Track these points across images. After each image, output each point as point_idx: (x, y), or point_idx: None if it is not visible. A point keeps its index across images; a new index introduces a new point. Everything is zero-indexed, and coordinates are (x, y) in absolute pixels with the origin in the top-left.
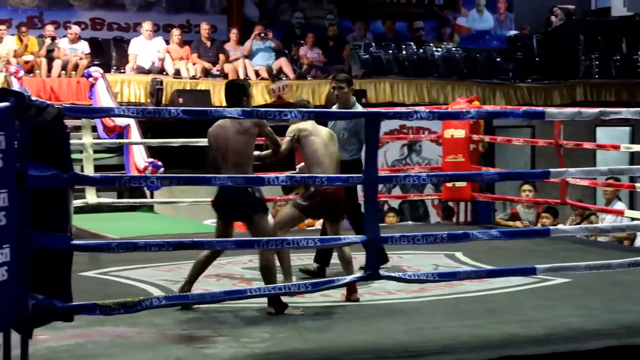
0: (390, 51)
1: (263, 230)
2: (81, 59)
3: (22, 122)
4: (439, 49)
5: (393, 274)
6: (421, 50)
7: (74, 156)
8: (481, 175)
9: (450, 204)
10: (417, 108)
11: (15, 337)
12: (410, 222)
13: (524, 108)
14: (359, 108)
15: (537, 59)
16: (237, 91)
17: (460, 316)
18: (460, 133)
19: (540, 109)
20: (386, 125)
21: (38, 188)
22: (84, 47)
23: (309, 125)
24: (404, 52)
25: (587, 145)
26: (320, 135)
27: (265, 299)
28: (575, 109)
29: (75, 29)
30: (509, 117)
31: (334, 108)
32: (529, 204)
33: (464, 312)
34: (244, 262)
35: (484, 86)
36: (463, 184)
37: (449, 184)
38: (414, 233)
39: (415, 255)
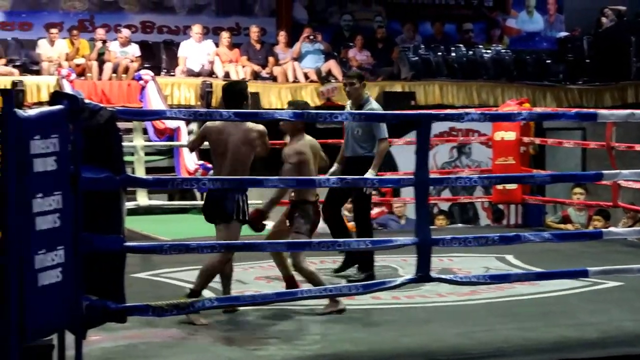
0: (440, 53)
1: (228, 237)
2: (132, 61)
3: (75, 125)
4: (489, 51)
5: (444, 276)
6: (470, 52)
7: (125, 158)
8: (533, 177)
9: (501, 206)
10: (468, 110)
11: (69, 338)
12: (460, 225)
13: (576, 110)
14: (373, 104)
15: (587, 60)
16: (238, 95)
17: (512, 319)
18: (510, 135)
19: (592, 110)
20: (436, 128)
21: (91, 190)
22: (134, 50)
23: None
24: (453, 54)
25: (639, 147)
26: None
27: (316, 301)
28: (628, 111)
29: (125, 32)
30: (562, 119)
31: (347, 105)
32: (581, 206)
33: (516, 315)
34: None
35: (534, 88)
36: (514, 186)
37: (500, 187)
38: (465, 235)
39: (466, 258)
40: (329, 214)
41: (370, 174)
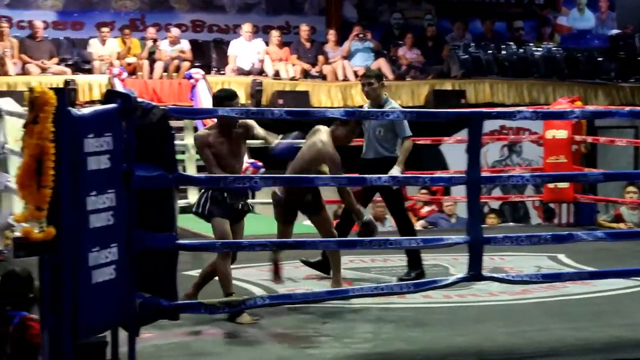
0: (490, 51)
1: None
2: (183, 60)
3: (128, 123)
4: (540, 49)
5: (496, 275)
6: (521, 50)
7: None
8: (586, 176)
9: (552, 205)
10: (519, 108)
11: (122, 335)
12: (511, 224)
13: (629, 108)
14: (393, 103)
15: (639, 58)
16: (219, 103)
17: (565, 319)
18: (562, 134)
19: None
20: (486, 126)
21: (144, 188)
22: (183, 47)
23: None
24: (503, 52)
25: None
26: None
27: (368, 299)
28: None
29: (174, 31)
30: (614, 117)
31: (366, 106)
32: (634, 205)
33: (569, 315)
34: (345, 263)
35: (586, 86)
36: (565, 185)
37: (551, 185)
38: (517, 234)
39: (517, 257)
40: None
41: (396, 170)
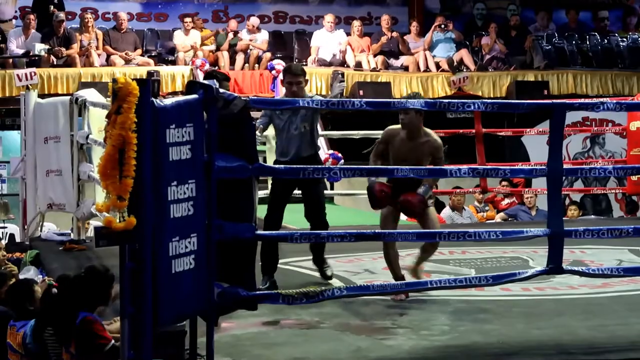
0: (574, 42)
1: None
2: (265, 51)
3: (210, 114)
4: (625, 39)
5: (576, 268)
6: (606, 41)
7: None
8: None
9: (634, 198)
10: (602, 99)
11: (201, 324)
12: (592, 216)
13: None
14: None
15: None
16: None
17: None
18: None
19: None
20: (569, 117)
21: (225, 178)
22: (263, 37)
23: None
24: (587, 42)
25: None
26: None
27: (445, 292)
28: None
29: (253, 20)
30: None
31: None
32: None
33: None
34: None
35: None
36: None
37: (634, 178)
38: (598, 227)
39: (598, 250)
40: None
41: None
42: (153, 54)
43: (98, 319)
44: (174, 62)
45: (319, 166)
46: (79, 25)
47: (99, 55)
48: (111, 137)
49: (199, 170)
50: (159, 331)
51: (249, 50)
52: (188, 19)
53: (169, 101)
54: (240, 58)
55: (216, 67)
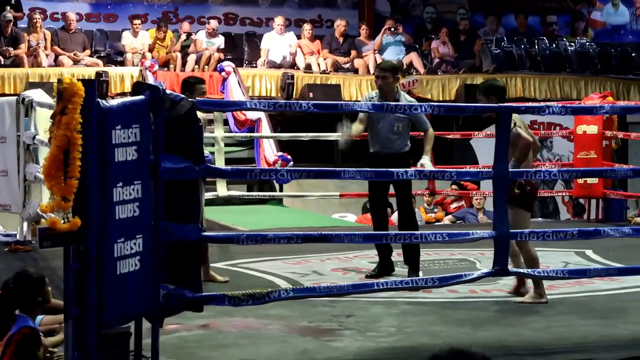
0: (523, 46)
1: None
2: (218, 51)
3: (156, 115)
4: (573, 44)
5: (522, 270)
6: (554, 45)
7: (205, 149)
8: (614, 172)
9: (581, 200)
10: (549, 103)
11: (146, 326)
12: (540, 219)
13: None
14: (407, 96)
15: None
16: (182, 87)
17: (591, 315)
18: (593, 129)
19: None
20: None
21: (171, 180)
22: (220, 41)
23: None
24: (536, 46)
25: None
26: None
27: (392, 293)
28: None
29: (213, 23)
30: None
31: (375, 99)
32: None
33: (595, 311)
34: (372, 257)
35: (618, 82)
36: (595, 180)
37: (581, 181)
38: (544, 229)
39: (545, 252)
40: (375, 207)
41: (426, 160)
42: (102, 55)
43: (35, 330)
44: (122, 63)
45: (267, 168)
46: (27, 25)
47: (47, 55)
48: (56, 137)
49: (145, 172)
50: (103, 333)
51: (202, 52)
52: (137, 21)
53: (115, 102)
54: (191, 59)
55: (166, 69)
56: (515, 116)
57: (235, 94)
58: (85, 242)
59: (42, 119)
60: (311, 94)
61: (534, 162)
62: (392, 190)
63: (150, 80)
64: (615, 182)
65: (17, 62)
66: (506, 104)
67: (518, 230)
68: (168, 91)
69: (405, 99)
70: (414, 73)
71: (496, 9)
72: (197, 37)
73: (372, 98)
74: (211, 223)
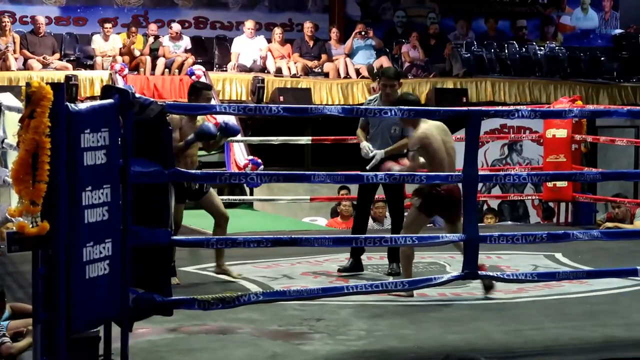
0: (493, 50)
1: None
2: (186, 58)
3: (125, 119)
4: (542, 48)
5: (491, 274)
6: (524, 49)
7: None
8: (583, 175)
9: (551, 204)
10: (519, 107)
11: (115, 330)
12: (509, 222)
13: (628, 107)
14: None
15: None
16: (189, 92)
17: (561, 318)
18: (562, 133)
19: None
20: (487, 125)
21: (140, 184)
22: (186, 43)
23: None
24: (506, 51)
25: None
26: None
27: (362, 297)
28: None
29: (176, 27)
30: (613, 116)
31: (374, 103)
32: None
33: (564, 314)
34: (342, 260)
35: (588, 85)
36: (564, 184)
37: (550, 184)
38: (513, 233)
39: (514, 256)
40: (361, 209)
41: (380, 152)
42: (71, 59)
43: None
44: (92, 67)
45: (237, 171)
46: None
47: (16, 59)
48: (24, 141)
49: (115, 175)
50: (72, 337)
51: (174, 58)
52: (108, 24)
53: (83, 106)
54: (160, 63)
55: (136, 72)
56: (432, 123)
57: None
58: (54, 247)
59: (11, 123)
60: (281, 98)
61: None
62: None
63: (120, 83)
64: (585, 185)
65: None
66: (476, 108)
67: (487, 234)
68: (137, 95)
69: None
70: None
71: (466, 13)
72: (164, 43)
73: (370, 102)
74: (182, 227)
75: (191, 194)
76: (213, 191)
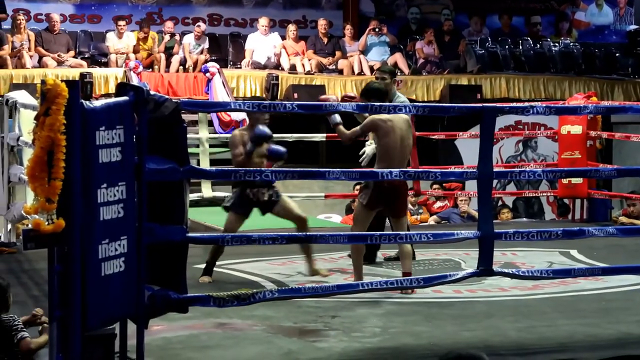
0: (507, 46)
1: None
2: (202, 52)
3: (140, 116)
4: (557, 44)
5: (506, 270)
6: (538, 46)
7: (190, 150)
8: (599, 172)
9: (566, 201)
10: (533, 103)
11: (131, 327)
12: (524, 219)
13: None
14: (402, 98)
15: None
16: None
17: (575, 314)
18: (577, 129)
19: None
20: (501, 121)
21: (155, 181)
22: (205, 44)
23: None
24: (520, 47)
25: None
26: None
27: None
28: None
29: (202, 26)
30: (628, 112)
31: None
32: None
33: (579, 311)
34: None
35: (602, 82)
36: (579, 180)
37: (565, 181)
38: (528, 229)
39: (529, 252)
40: None
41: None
42: (86, 56)
43: None
44: (106, 64)
45: (251, 169)
46: (10, 27)
47: (31, 56)
48: (39, 139)
49: (129, 173)
50: (88, 334)
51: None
52: (122, 22)
53: (98, 103)
54: (175, 60)
55: (151, 70)
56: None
57: (219, 94)
58: (70, 244)
59: (26, 121)
60: (296, 95)
61: (521, 162)
62: None
63: (135, 81)
64: (600, 182)
65: (0, 64)
66: (490, 104)
67: (503, 230)
68: (152, 92)
69: (399, 100)
70: (399, 74)
71: (480, 9)
72: (185, 40)
73: None
74: (196, 224)
75: (261, 206)
76: (284, 197)
